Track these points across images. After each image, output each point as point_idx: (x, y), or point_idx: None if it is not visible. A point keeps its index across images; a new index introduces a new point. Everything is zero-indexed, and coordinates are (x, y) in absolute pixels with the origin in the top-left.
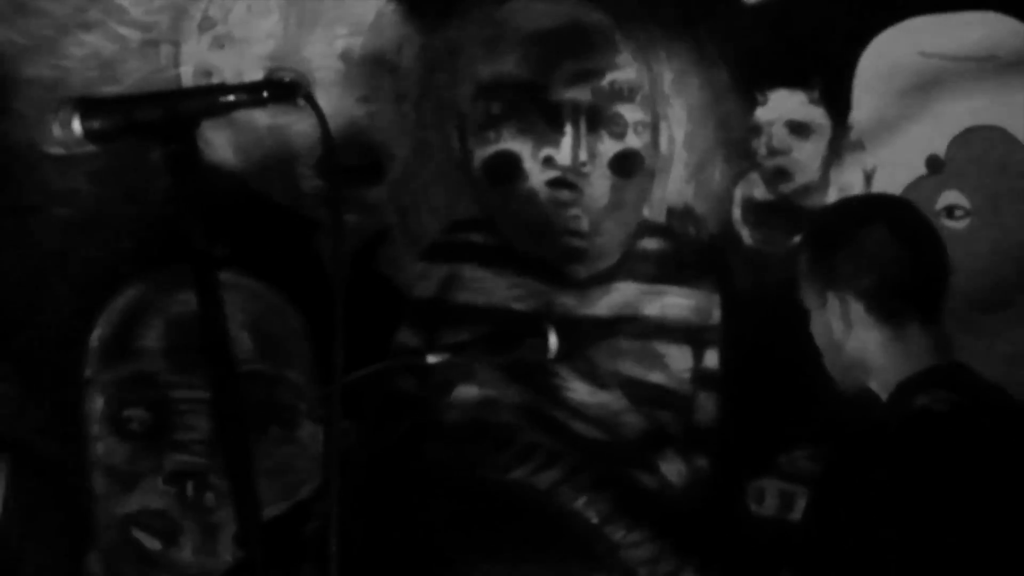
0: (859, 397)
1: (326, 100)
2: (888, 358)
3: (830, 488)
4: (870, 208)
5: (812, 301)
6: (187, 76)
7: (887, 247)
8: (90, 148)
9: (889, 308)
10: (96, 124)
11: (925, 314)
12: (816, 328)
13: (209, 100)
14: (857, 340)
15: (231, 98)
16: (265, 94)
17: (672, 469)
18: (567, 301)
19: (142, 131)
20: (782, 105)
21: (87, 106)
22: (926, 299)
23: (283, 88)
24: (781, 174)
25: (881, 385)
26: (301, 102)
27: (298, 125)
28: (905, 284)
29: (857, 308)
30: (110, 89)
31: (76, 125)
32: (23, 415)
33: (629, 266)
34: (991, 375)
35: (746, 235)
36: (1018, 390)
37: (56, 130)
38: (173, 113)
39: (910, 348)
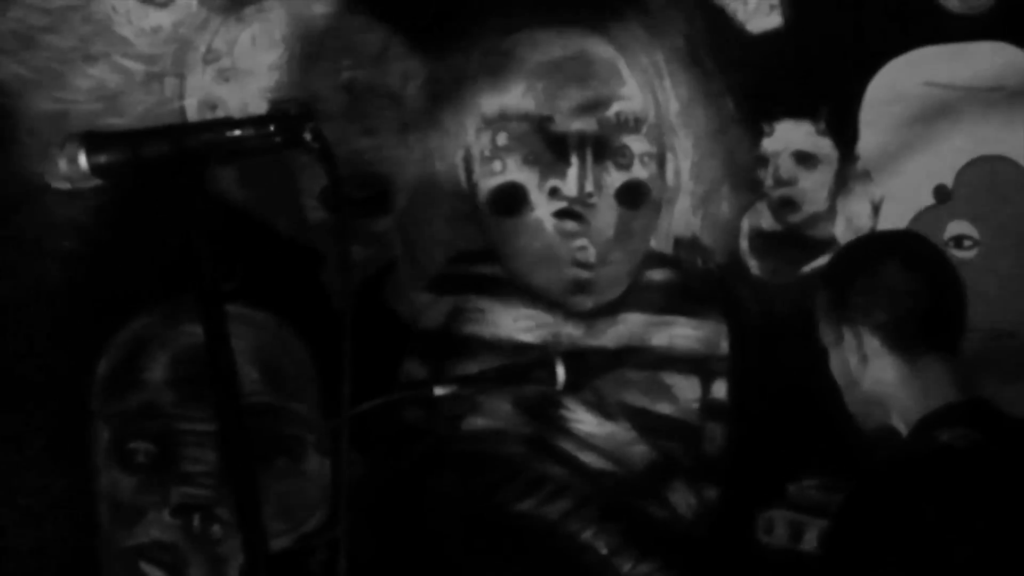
0: (879, 433)
1: (331, 132)
2: (907, 392)
3: (849, 519)
4: (883, 244)
5: (829, 338)
6: (192, 109)
7: (901, 280)
8: (95, 182)
9: (905, 342)
10: (102, 159)
11: (943, 347)
12: (835, 366)
13: (216, 134)
14: (874, 375)
15: (237, 132)
16: (272, 128)
17: (681, 500)
18: (574, 332)
19: (149, 167)
20: (788, 136)
21: (93, 141)
22: (943, 331)
23: (290, 121)
24: (788, 204)
25: (901, 420)
26: (308, 135)
27: (303, 156)
28: (920, 317)
29: (872, 342)
30: (114, 122)
31: (82, 160)
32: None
33: (636, 297)
34: (1010, 409)
35: (754, 265)
36: None
37: (62, 165)
38: (180, 148)
39: (929, 382)
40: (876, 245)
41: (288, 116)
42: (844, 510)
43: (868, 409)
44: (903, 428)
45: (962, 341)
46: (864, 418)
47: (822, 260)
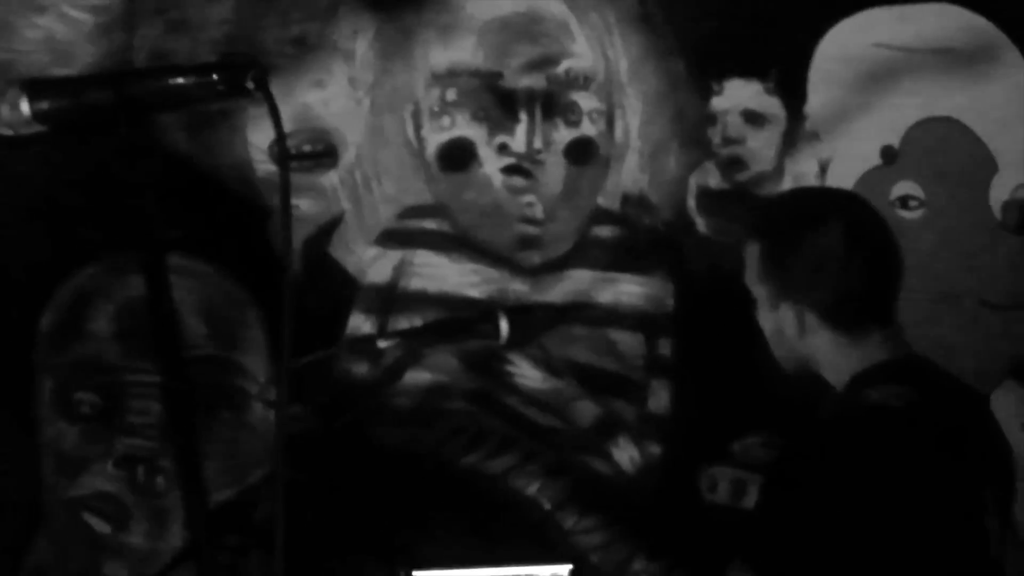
0: (809, 384)
1: (280, 86)
2: (841, 357)
3: (782, 479)
4: (825, 204)
5: (762, 298)
6: (141, 61)
7: (842, 251)
8: (39, 129)
9: (845, 318)
10: (44, 105)
11: (880, 318)
12: (764, 320)
13: (158, 81)
14: (810, 342)
15: (180, 80)
16: (215, 76)
17: (625, 456)
18: (520, 288)
19: (92, 113)
20: (737, 95)
21: (35, 87)
22: (881, 304)
23: (233, 70)
24: (736, 163)
25: (833, 377)
26: (250, 84)
27: (251, 109)
28: (860, 294)
29: (812, 317)
30: (62, 72)
31: (24, 106)
32: None
33: (583, 253)
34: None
35: (701, 223)
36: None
37: (4, 111)
38: (122, 95)
39: (863, 346)
40: (815, 205)
41: (231, 65)
42: (777, 468)
43: (798, 364)
44: (835, 383)
45: (896, 308)
46: (793, 370)
47: None
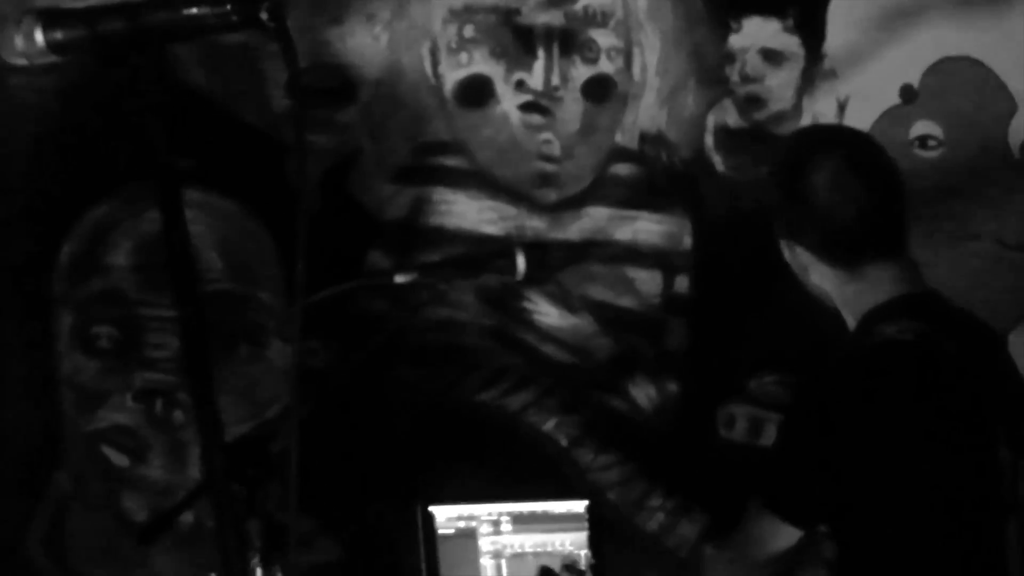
0: (830, 322)
1: (297, 21)
2: (848, 295)
3: (799, 417)
4: (831, 137)
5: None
6: None
7: (829, 186)
8: (54, 59)
9: (839, 256)
10: (59, 35)
11: (886, 250)
12: (784, 253)
13: (173, 11)
14: (817, 280)
15: (194, 10)
16: (228, 7)
17: (642, 393)
18: (538, 225)
19: (106, 43)
20: (756, 33)
21: (50, 17)
22: (883, 239)
23: (247, 1)
24: (754, 101)
25: (847, 315)
26: (265, 16)
27: (269, 44)
28: (854, 231)
29: (805, 255)
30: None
31: (39, 36)
32: None
33: (600, 191)
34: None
35: (718, 161)
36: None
37: (18, 41)
38: (136, 24)
39: (871, 284)
40: (822, 137)
41: None
42: (795, 406)
43: (815, 291)
44: (851, 321)
45: (907, 241)
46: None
47: None
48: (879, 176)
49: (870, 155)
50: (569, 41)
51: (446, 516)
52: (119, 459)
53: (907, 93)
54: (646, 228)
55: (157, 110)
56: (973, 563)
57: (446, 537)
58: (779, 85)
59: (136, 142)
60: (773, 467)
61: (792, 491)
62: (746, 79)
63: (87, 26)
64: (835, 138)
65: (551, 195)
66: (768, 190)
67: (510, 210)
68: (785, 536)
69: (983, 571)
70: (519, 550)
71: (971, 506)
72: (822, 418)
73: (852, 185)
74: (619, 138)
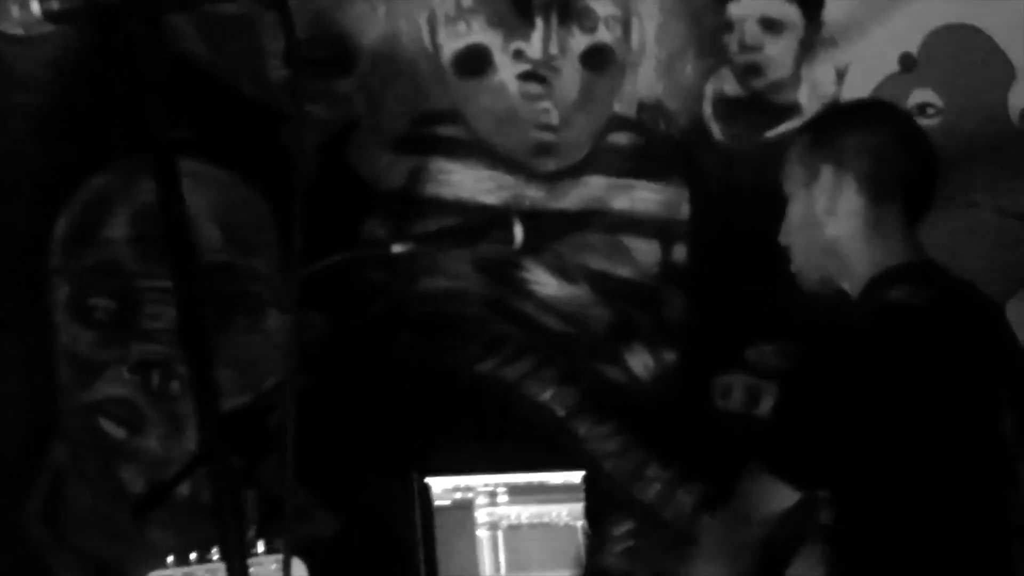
0: (827, 294)
1: None
2: (865, 246)
3: (803, 378)
4: (870, 109)
5: (799, 181)
6: None
7: (884, 139)
8: (50, 28)
9: (880, 195)
10: (55, 4)
11: (910, 211)
12: (795, 211)
13: None
14: (839, 221)
15: None
16: None
17: (639, 363)
18: (536, 194)
19: (102, 12)
20: (755, 1)
21: None
22: (914, 198)
23: None
24: (753, 70)
25: (853, 280)
26: None
27: (267, 14)
28: (899, 175)
29: (851, 185)
30: None
31: (35, 5)
32: None
33: (598, 160)
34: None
35: (716, 130)
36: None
37: (15, 11)
38: None
39: (888, 240)
40: (871, 110)
41: None
42: (797, 368)
43: (819, 260)
44: (853, 289)
45: (925, 216)
46: (810, 273)
47: (785, 126)
48: (924, 145)
49: (917, 130)
50: (567, 10)
51: (442, 487)
52: (116, 431)
53: (906, 61)
54: (644, 197)
55: (153, 80)
56: (973, 531)
57: (442, 508)
58: (778, 54)
59: (132, 113)
60: (774, 427)
61: (792, 451)
62: (744, 48)
63: None
64: (887, 109)
65: (549, 164)
66: (816, 131)
67: (508, 179)
68: (782, 497)
69: (983, 539)
70: (516, 521)
71: (973, 474)
72: (827, 379)
73: (903, 144)
74: (617, 107)
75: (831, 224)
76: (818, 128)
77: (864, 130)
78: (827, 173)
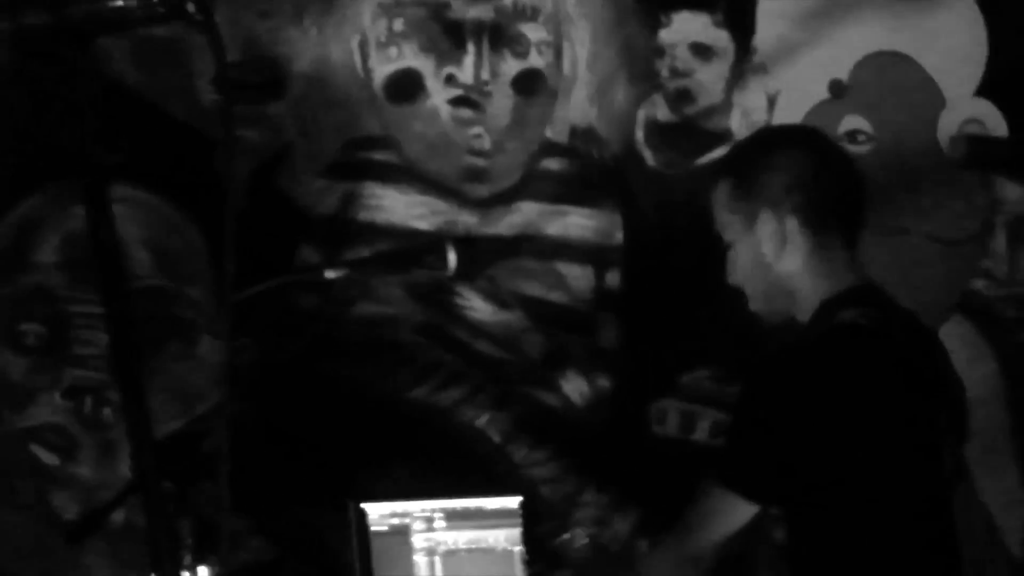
0: (783, 327)
1: (226, 15)
2: (813, 277)
3: (756, 395)
4: (786, 136)
5: (737, 228)
6: None
7: (809, 168)
8: None
9: (820, 223)
10: None
11: (848, 233)
12: (741, 257)
13: (98, 4)
14: (788, 260)
15: (120, 2)
16: None
17: (574, 389)
18: (469, 220)
19: (30, 36)
20: (686, 27)
21: None
22: (848, 219)
23: None
24: (684, 96)
25: (805, 309)
26: (191, 8)
27: (197, 38)
28: (831, 199)
29: (792, 221)
30: None
31: None
32: None
33: (531, 186)
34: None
35: (649, 156)
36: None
37: None
38: (61, 17)
39: (834, 266)
40: (778, 137)
41: None
42: (750, 385)
43: (775, 302)
44: (802, 317)
45: (861, 238)
46: (769, 314)
47: (717, 152)
48: (843, 162)
49: (830, 146)
50: (499, 35)
51: (379, 513)
52: (49, 457)
53: (836, 88)
54: (577, 223)
55: (84, 104)
56: (923, 545)
57: (379, 534)
58: (709, 79)
59: (62, 137)
60: (730, 442)
61: (749, 467)
62: (676, 73)
63: (10, 18)
64: (795, 131)
65: (482, 190)
66: (740, 183)
67: (441, 205)
68: (738, 514)
69: (931, 553)
70: (453, 546)
71: (919, 496)
72: (779, 396)
73: (826, 172)
74: (549, 133)
75: (780, 262)
76: (737, 170)
77: (780, 162)
78: (766, 216)
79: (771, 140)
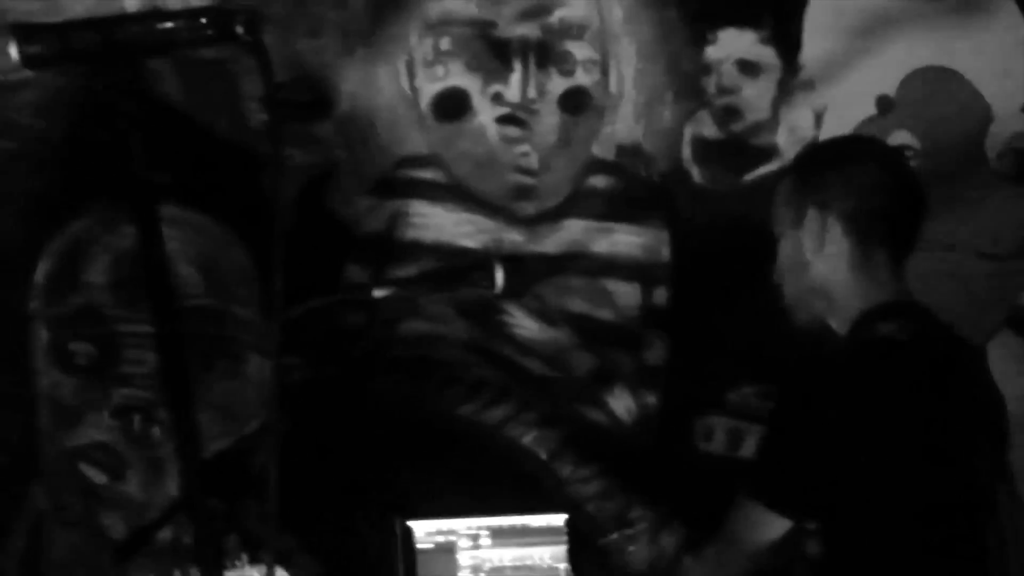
0: (814, 333)
1: (274, 35)
2: (852, 286)
3: (792, 408)
4: (863, 147)
5: (787, 222)
6: (133, 10)
7: (869, 179)
8: (27, 74)
9: (866, 235)
10: (33, 50)
11: (896, 248)
12: (784, 252)
13: (147, 26)
14: (826, 263)
15: (168, 24)
16: (203, 20)
17: (621, 406)
18: (516, 238)
19: (80, 58)
20: (732, 44)
21: (24, 32)
22: (900, 237)
23: (222, 15)
24: (731, 113)
25: (840, 318)
26: (240, 30)
27: (245, 59)
28: (884, 217)
29: (835, 227)
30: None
31: (13, 51)
32: None
33: (578, 203)
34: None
35: (695, 173)
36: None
37: None
38: (110, 39)
39: (875, 279)
40: (855, 147)
41: (220, 9)
42: (785, 398)
43: (808, 299)
44: (841, 327)
45: (910, 255)
46: (800, 310)
47: (764, 168)
48: (911, 180)
49: (903, 165)
50: (545, 53)
51: (425, 531)
52: (97, 476)
53: (883, 103)
54: (624, 240)
55: (133, 125)
56: (956, 560)
57: (425, 552)
58: (755, 96)
59: (112, 157)
60: (763, 457)
61: (782, 481)
62: (722, 90)
63: (61, 40)
64: (873, 144)
65: (529, 208)
66: (802, 178)
67: (488, 223)
68: (772, 527)
69: (966, 568)
70: (498, 564)
71: (953, 511)
72: (815, 409)
73: (891, 182)
74: (596, 150)
75: (818, 264)
76: (803, 167)
77: (848, 168)
78: (813, 215)
79: (846, 147)
